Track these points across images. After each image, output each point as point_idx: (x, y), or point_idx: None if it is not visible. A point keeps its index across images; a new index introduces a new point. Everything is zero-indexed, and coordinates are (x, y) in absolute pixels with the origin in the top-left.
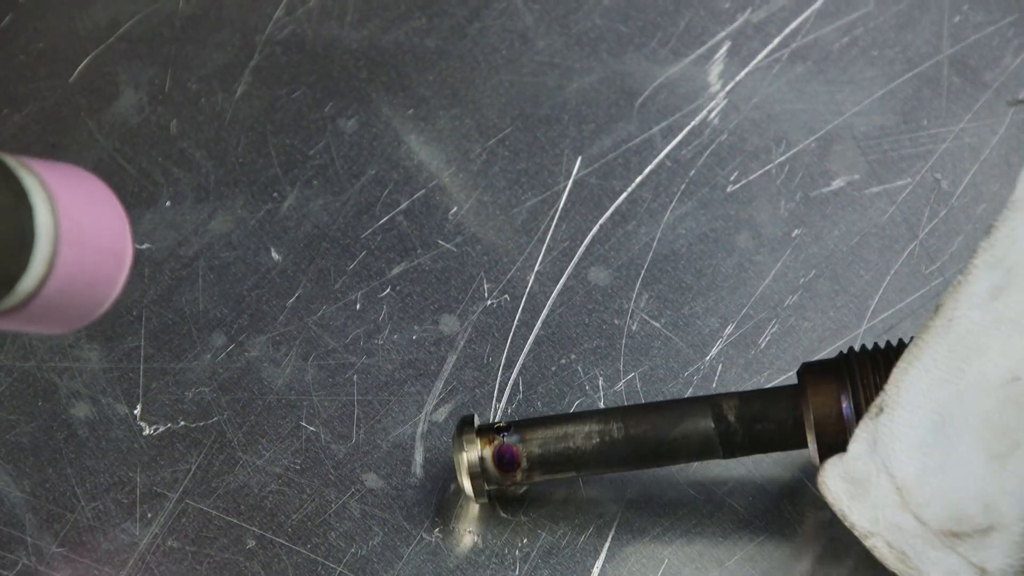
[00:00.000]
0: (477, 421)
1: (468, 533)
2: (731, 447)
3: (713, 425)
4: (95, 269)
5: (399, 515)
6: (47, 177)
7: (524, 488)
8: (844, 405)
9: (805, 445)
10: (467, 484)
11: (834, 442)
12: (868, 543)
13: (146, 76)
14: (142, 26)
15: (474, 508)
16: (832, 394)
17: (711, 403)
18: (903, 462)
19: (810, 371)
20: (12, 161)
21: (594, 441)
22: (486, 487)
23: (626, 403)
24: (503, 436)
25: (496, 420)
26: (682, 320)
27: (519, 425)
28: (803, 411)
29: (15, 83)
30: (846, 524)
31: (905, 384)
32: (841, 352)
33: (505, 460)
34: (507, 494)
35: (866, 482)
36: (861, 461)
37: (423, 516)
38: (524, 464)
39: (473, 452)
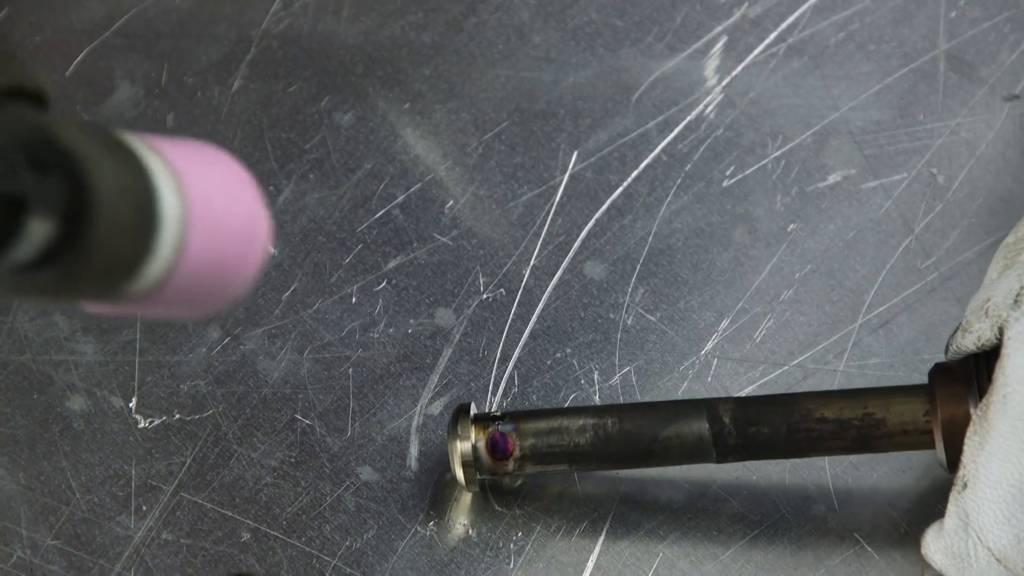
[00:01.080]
0: (474, 410)
1: (463, 526)
2: (724, 450)
3: (707, 426)
4: (229, 252)
5: (394, 508)
6: (174, 157)
7: (518, 481)
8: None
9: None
10: (459, 472)
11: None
12: None
13: (142, 70)
14: (138, 20)
15: (469, 501)
16: (960, 397)
17: (707, 404)
18: (996, 535)
19: (938, 373)
20: (135, 140)
21: (588, 435)
22: (478, 476)
23: (621, 397)
24: (497, 424)
25: (492, 411)
26: (678, 314)
27: (514, 416)
28: (932, 412)
29: None
30: None
31: (981, 461)
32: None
33: (498, 448)
34: (500, 485)
35: (967, 555)
36: (958, 536)
37: (418, 509)
38: (517, 453)
39: (467, 440)
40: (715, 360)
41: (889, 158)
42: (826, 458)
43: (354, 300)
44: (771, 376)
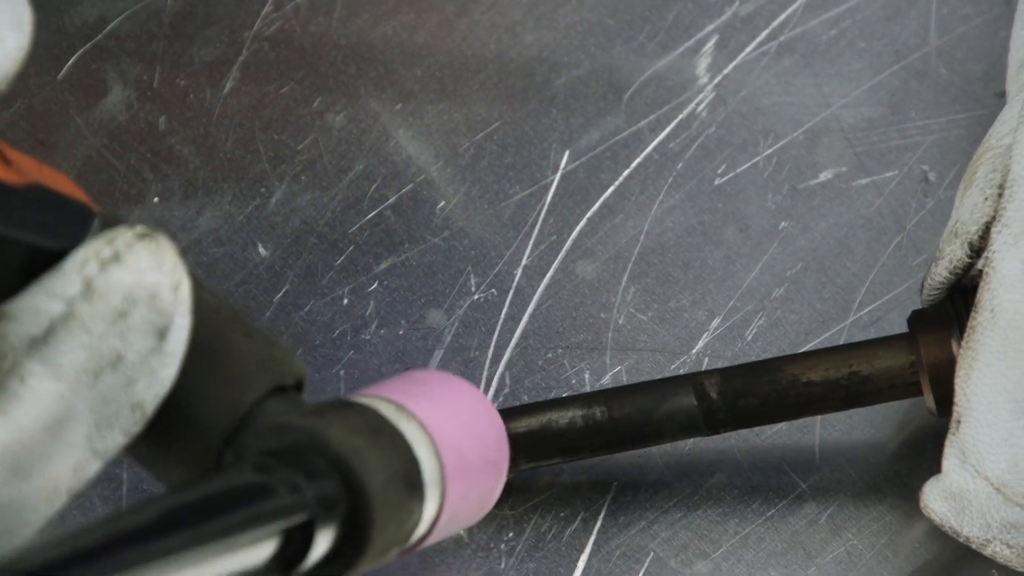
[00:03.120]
0: None
1: None
2: (715, 424)
3: (696, 403)
4: (480, 487)
5: None
6: (422, 411)
7: (510, 475)
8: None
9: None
10: None
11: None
12: (988, 552)
13: (134, 73)
14: (130, 23)
15: None
16: (944, 341)
17: (693, 381)
18: (994, 461)
19: (917, 320)
20: (387, 406)
21: (578, 426)
22: None
23: None
24: None
25: None
26: (669, 313)
27: (502, 413)
28: (917, 359)
29: None
30: (960, 540)
31: (971, 388)
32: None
33: None
34: None
35: (966, 493)
36: (956, 475)
37: None
38: (509, 453)
39: None
40: (706, 359)
41: (881, 155)
42: (818, 456)
43: (346, 302)
44: None
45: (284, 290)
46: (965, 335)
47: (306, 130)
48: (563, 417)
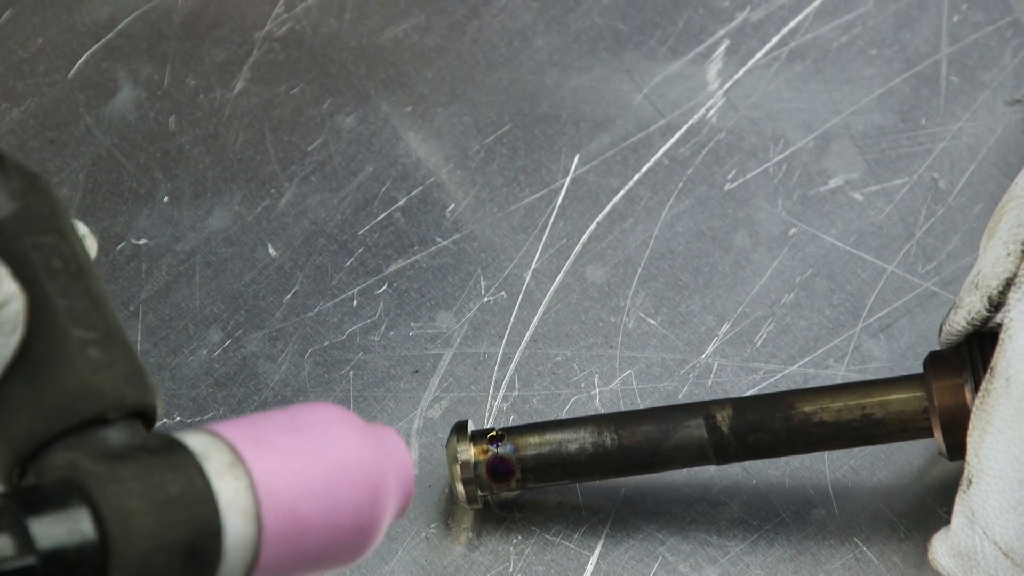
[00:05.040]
0: (471, 427)
1: (463, 529)
2: (724, 456)
3: (707, 436)
4: (326, 550)
5: None
6: (268, 469)
7: (519, 492)
8: (966, 392)
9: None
10: (461, 492)
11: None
12: None
13: (144, 72)
14: (141, 22)
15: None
16: (957, 385)
17: (704, 413)
18: (1002, 527)
19: (933, 361)
20: (223, 460)
21: (588, 452)
22: (479, 493)
23: (622, 401)
24: (497, 446)
25: (489, 428)
26: (678, 318)
27: (512, 433)
28: (929, 401)
29: (14, 79)
30: None
31: (984, 452)
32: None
33: (499, 471)
34: (501, 497)
35: (974, 553)
36: (964, 535)
37: (418, 512)
38: (518, 475)
39: (467, 461)
40: (716, 364)
41: (891, 162)
42: (826, 463)
43: (355, 303)
44: (772, 380)
45: (294, 291)
46: (979, 395)
47: (316, 131)
48: (573, 442)
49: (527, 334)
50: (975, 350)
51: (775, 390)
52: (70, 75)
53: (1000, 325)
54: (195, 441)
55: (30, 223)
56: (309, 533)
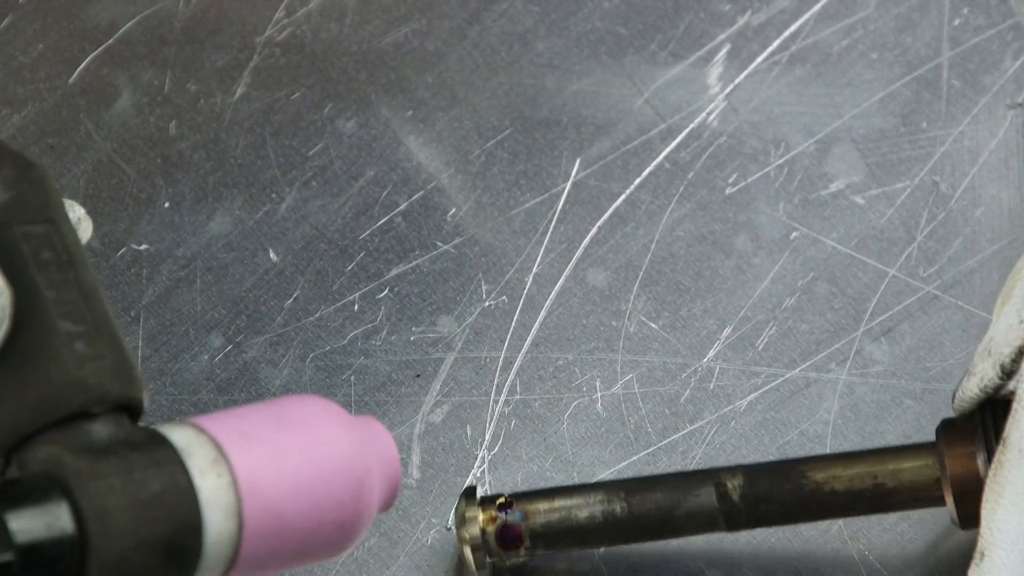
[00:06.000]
0: (480, 492)
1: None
2: (735, 525)
3: (717, 505)
4: (307, 548)
5: (396, 516)
6: (251, 465)
7: (527, 559)
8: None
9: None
10: (470, 558)
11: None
12: None
13: (145, 78)
14: (141, 28)
15: None
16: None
17: (715, 481)
18: None
19: (944, 431)
20: (206, 456)
21: (597, 519)
22: (487, 559)
23: (623, 405)
24: (506, 513)
25: (498, 494)
26: (680, 322)
27: (521, 499)
28: (941, 469)
29: (14, 84)
30: None
31: (996, 525)
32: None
33: (508, 538)
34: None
35: None
36: None
37: (420, 517)
38: (527, 542)
39: (475, 529)
40: (717, 368)
41: (892, 166)
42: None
43: (356, 308)
44: (773, 384)
45: (295, 296)
46: (992, 467)
47: (317, 136)
48: (583, 511)
49: (528, 338)
50: (988, 418)
51: (776, 393)
52: (70, 81)
53: (1013, 393)
54: (179, 436)
55: (22, 212)
56: (291, 529)
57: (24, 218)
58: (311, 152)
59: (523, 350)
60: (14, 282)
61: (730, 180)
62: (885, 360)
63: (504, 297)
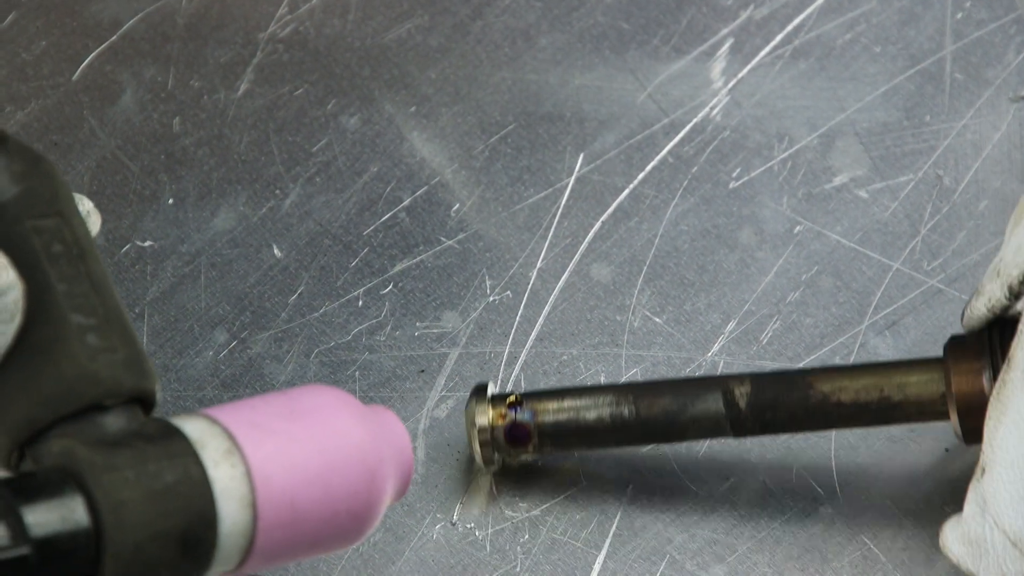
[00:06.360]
0: (491, 390)
1: (470, 528)
2: (741, 431)
3: (724, 411)
4: (321, 537)
5: (401, 511)
6: (264, 456)
7: (537, 458)
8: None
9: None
10: (478, 454)
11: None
12: None
13: (148, 74)
14: (144, 24)
15: (476, 504)
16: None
17: (723, 388)
18: (1011, 518)
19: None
20: (219, 447)
21: (605, 421)
22: (496, 455)
23: None
24: (515, 412)
25: (509, 392)
26: (684, 316)
27: (531, 398)
28: (947, 386)
29: (18, 81)
30: None
31: (998, 442)
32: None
33: (517, 436)
34: (519, 460)
35: (983, 541)
36: (975, 523)
37: (425, 512)
38: (535, 440)
39: (484, 425)
40: (721, 362)
41: (895, 159)
42: (833, 460)
43: (360, 303)
44: None
45: (299, 292)
46: (996, 386)
47: (320, 132)
48: (591, 412)
49: (533, 333)
50: (996, 337)
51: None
52: (74, 78)
53: (1021, 314)
54: (192, 427)
55: (32, 206)
56: (305, 519)
57: (34, 212)
58: (315, 148)
59: (527, 345)
60: (25, 276)
61: (734, 174)
62: (889, 353)
63: (508, 292)
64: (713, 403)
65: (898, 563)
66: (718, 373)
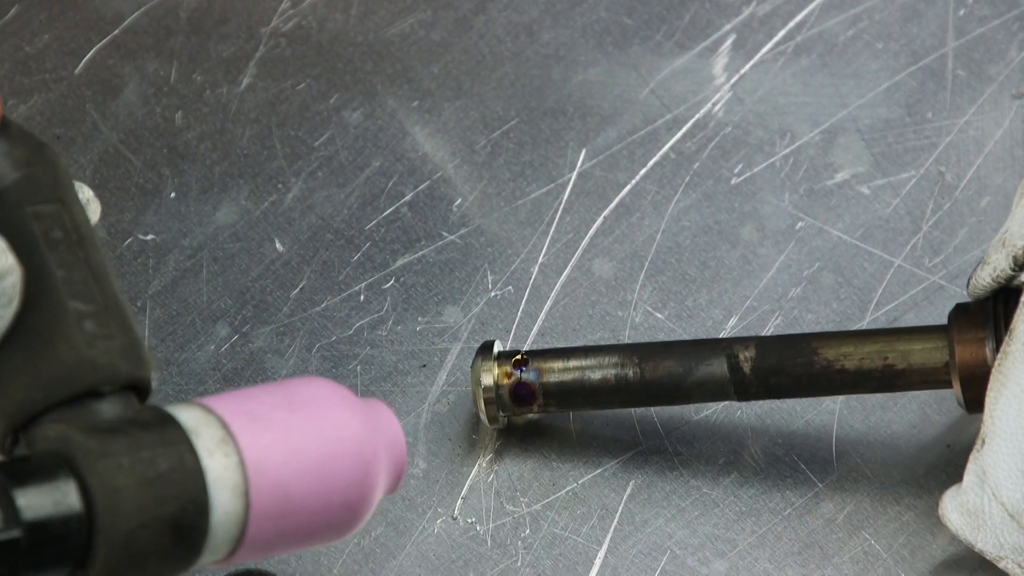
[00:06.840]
0: (497, 347)
1: (471, 523)
2: (744, 395)
3: (728, 375)
4: (314, 527)
5: (401, 506)
6: (258, 446)
7: (542, 416)
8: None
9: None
10: (483, 412)
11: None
12: (1000, 566)
13: (151, 68)
14: (147, 18)
15: (478, 499)
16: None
17: (728, 352)
18: (1010, 489)
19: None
20: (213, 436)
21: (610, 382)
22: (501, 414)
23: None
24: (521, 371)
25: (515, 351)
26: (686, 312)
27: (537, 357)
28: (950, 354)
29: (21, 75)
30: (975, 551)
31: (998, 413)
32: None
33: (522, 395)
34: (523, 419)
35: (981, 512)
36: (973, 494)
37: (426, 507)
38: (540, 400)
39: (490, 383)
40: None
41: (897, 156)
42: (834, 454)
43: (362, 298)
44: None
45: (301, 286)
46: (998, 357)
47: (323, 127)
48: (596, 372)
49: (534, 328)
50: (1000, 307)
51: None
52: (77, 71)
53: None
54: (187, 416)
55: (33, 192)
56: (298, 510)
57: (35, 198)
58: (317, 142)
59: (529, 340)
60: (24, 261)
61: (736, 170)
62: None
63: (510, 287)
64: (718, 367)
65: (899, 559)
66: (724, 338)
